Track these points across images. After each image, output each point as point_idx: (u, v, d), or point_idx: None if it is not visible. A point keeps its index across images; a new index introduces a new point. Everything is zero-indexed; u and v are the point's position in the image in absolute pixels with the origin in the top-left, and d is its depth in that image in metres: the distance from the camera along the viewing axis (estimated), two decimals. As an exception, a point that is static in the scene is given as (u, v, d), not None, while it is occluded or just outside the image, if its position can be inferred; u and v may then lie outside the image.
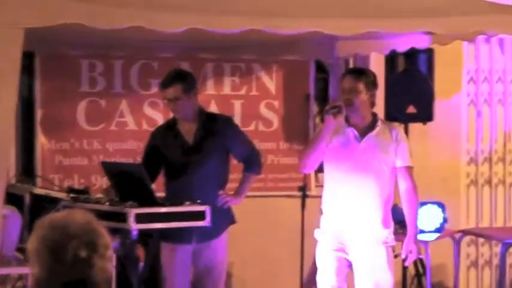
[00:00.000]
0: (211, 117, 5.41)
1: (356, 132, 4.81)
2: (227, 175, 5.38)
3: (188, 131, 5.29)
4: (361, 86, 4.79)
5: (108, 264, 2.22)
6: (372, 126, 4.83)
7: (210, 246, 5.26)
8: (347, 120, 4.82)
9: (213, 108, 6.55)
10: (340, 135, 4.82)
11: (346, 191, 4.78)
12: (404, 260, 4.91)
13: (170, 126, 5.38)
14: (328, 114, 4.72)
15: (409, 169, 4.86)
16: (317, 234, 4.93)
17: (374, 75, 4.96)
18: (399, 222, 5.76)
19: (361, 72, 4.94)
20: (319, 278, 4.90)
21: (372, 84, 4.86)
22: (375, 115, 4.90)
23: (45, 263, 2.19)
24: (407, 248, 4.84)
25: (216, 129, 5.28)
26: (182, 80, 5.23)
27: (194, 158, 5.24)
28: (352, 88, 4.78)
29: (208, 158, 5.23)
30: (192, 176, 5.21)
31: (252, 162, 5.42)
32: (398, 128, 5.02)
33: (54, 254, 2.18)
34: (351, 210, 4.78)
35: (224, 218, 5.23)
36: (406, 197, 4.86)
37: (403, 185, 4.85)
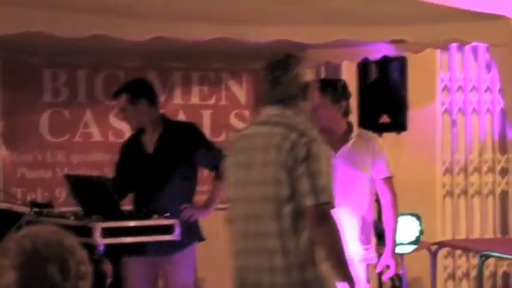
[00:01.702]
0: (173, 124, 5.39)
1: (329, 147, 4.73)
2: (193, 186, 5.34)
3: (150, 140, 5.29)
4: (326, 101, 4.72)
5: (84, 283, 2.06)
6: (345, 139, 4.78)
7: (171, 260, 5.22)
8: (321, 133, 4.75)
9: (181, 118, 6.56)
10: None
11: None
12: (380, 274, 4.87)
13: (135, 137, 5.39)
14: None
15: (388, 180, 4.81)
16: None
17: (343, 86, 4.89)
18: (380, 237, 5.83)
19: (327, 86, 4.82)
20: None
21: (341, 96, 4.78)
22: (350, 126, 4.85)
23: None
24: (384, 263, 4.80)
25: (178, 136, 5.26)
26: (128, 90, 5.25)
27: (154, 167, 5.23)
28: (318, 104, 4.75)
29: (169, 167, 5.20)
30: (152, 186, 5.20)
31: (221, 168, 5.37)
32: (375, 138, 4.94)
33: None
34: None
35: (188, 233, 5.12)
36: (385, 209, 4.81)
37: (382, 198, 4.82)
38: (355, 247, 4.65)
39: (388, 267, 4.80)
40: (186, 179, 5.27)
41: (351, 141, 4.76)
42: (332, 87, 4.82)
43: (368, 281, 4.74)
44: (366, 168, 4.74)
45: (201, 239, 5.36)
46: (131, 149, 5.38)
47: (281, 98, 3.74)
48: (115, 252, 5.13)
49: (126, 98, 5.25)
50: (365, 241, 4.75)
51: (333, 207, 3.56)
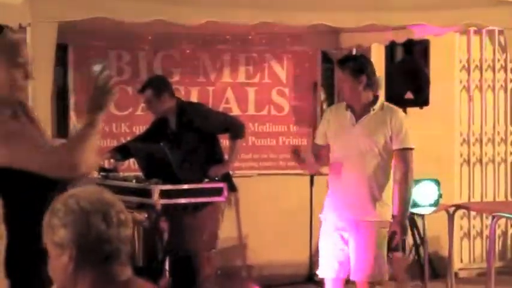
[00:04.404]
0: (186, 105, 5.52)
1: (352, 116, 4.58)
2: (213, 149, 5.42)
3: (172, 121, 5.45)
4: (346, 74, 4.54)
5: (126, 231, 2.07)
6: (368, 109, 4.56)
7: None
8: (348, 105, 4.61)
9: (229, 94, 6.57)
10: (340, 117, 4.62)
11: (344, 172, 4.56)
12: (390, 241, 4.60)
13: (160, 120, 5.53)
14: (296, 161, 4.68)
15: (404, 151, 4.53)
16: (321, 215, 4.73)
17: (362, 61, 4.64)
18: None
19: (345, 61, 4.65)
20: (321, 256, 4.67)
21: (360, 70, 4.54)
22: (376, 98, 4.62)
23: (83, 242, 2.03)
24: (392, 229, 4.55)
25: (192, 114, 5.39)
26: (152, 86, 5.39)
27: (178, 140, 5.35)
28: (340, 78, 4.66)
29: (191, 139, 5.33)
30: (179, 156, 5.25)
31: (232, 130, 5.47)
32: (397, 111, 4.67)
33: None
34: (348, 190, 4.54)
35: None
36: (399, 179, 4.57)
37: (398, 168, 4.58)
38: (369, 210, 4.51)
39: (395, 233, 4.57)
40: (206, 145, 5.38)
41: (372, 112, 4.56)
42: (352, 61, 4.62)
43: (384, 240, 4.55)
44: (382, 137, 4.51)
45: (232, 189, 5.50)
46: (158, 128, 5.51)
47: None
48: (171, 211, 5.14)
49: (151, 93, 5.38)
50: (379, 207, 4.53)
51: None
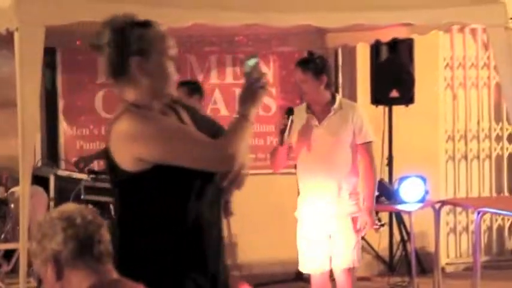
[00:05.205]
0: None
1: (315, 118, 4.66)
2: None
3: None
4: (308, 75, 4.60)
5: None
6: (328, 109, 4.64)
7: None
8: (308, 107, 4.68)
9: (217, 95, 6.54)
10: (302, 120, 4.65)
11: (313, 170, 4.65)
12: (360, 230, 4.69)
13: None
14: (279, 137, 4.57)
15: (367, 145, 4.66)
16: (296, 213, 4.84)
17: (322, 62, 4.72)
18: (383, 194, 5.77)
19: (307, 62, 4.72)
20: (302, 253, 4.77)
21: (321, 70, 4.62)
22: (333, 96, 4.71)
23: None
24: (363, 220, 4.65)
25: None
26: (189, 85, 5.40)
27: None
28: (302, 79, 4.67)
29: None
30: None
31: (217, 136, 5.39)
32: (356, 107, 4.79)
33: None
34: (319, 187, 4.64)
35: None
36: (364, 173, 4.67)
37: (361, 162, 4.68)
38: (341, 204, 4.62)
39: (366, 224, 4.67)
40: None
41: (332, 112, 4.65)
42: (312, 63, 4.69)
43: (356, 232, 4.67)
44: (346, 135, 4.63)
45: None
46: None
47: None
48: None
49: None
50: (350, 199, 4.65)
51: None
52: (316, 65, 4.65)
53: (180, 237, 2.50)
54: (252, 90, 2.68)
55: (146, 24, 2.67)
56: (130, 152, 2.51)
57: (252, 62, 2.74)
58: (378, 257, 6.84)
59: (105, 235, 2.11)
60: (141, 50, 2.60)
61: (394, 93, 6.39)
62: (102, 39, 2.63)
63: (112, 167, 2.57)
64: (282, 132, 4.53)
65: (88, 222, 2.07)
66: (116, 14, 2.71)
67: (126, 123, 2.56)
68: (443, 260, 6.91)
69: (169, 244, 2.50)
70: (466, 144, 7.24)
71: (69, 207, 2.15)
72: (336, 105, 4.66)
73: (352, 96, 6.68)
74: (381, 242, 6.62)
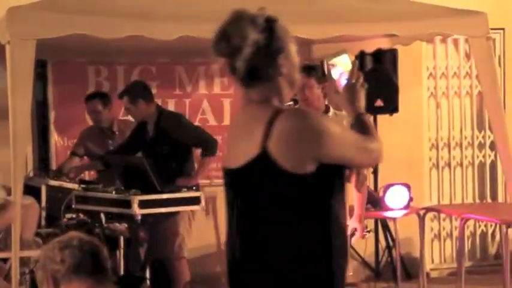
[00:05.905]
0: (165, 114, 5.51)
1: None
2: (186, 161, 5.43)
3: (150, 127, 5.47)
4: (312, 81, 4.60)
5: None
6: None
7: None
8: None
9: (205, 105, 6.56)
10: None
11: None
12: (350, 237, 4.66)
13: (140, 125, 5.55)
14: None
15: None
16: None
17: (322, 69, 4.72)
18: (369, 202, 5.80)
19: (310, 68, 4.71)
20: None
21: (322, 78, 4.63)
22: (327, 107, 4.71)
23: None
24: (352, 226, 4.64)
25: (169, 124, 5.39)
26: (127, 93, 5.42)
27: (154, 147, 5.37)
28: (305, 84, 4.69)
29: (166, 147, 5.33)
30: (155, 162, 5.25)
31: (204, 145, 5.44)
32: (347, 116, 4.77)
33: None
34: None
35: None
36: (356, 179, 4.71)
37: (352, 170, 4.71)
38: None
39: (356, 230, 4.67)
40: (179, 155, 5.39)
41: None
42: (315, 70, 4.71)
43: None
44: None
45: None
46: (138, 133, 5.52)
47: None
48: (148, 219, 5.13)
49: (127, 100, 5.42)
50: None
51: None
52: (318, 72, 4.67)
53: (330, 231, 2.41)
54: (355, 91, 2.67)
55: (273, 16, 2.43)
56: (310, 151, 2.32)
57: (343, 58, 2.70)
58: (364, 263, 6.86)
59: (103, 254, 2.16)
60: (283, 47, 2.39)
61: (379, 103, 6.41)
62: (239, 40, 2.32)
63: (269, 170, 2.33)
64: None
65: (84, 243, 2.12)
66: (245, 9, 2.38)
67: (299, 121, 2.33)
68: (428, 266, 6.94)
69: (325, 239, 2.39)
70: (449, 152, 7.29)
71: (71, 233, 2.21)
72: (330, 114, 4.67)
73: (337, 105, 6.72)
74: (367, 248, 6.64)
